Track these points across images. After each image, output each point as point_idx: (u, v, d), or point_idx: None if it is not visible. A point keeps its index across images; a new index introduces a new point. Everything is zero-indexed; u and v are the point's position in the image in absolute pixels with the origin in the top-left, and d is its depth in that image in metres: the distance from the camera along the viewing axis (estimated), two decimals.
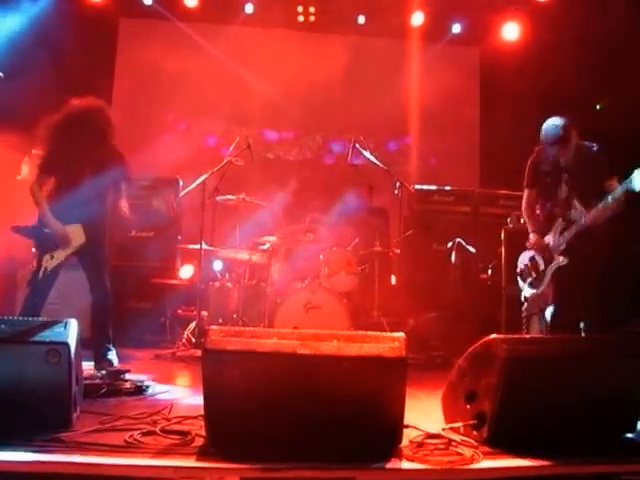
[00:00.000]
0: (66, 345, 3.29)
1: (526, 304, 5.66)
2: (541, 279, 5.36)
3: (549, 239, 5.29)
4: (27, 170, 6.61)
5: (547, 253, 5.30)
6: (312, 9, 9.30)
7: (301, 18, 9.38)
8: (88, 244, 5.02)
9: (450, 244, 7.08)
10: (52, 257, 4.88)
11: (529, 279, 5.49)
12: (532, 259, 5.47)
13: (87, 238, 5.01)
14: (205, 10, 9.06)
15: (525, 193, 5.52)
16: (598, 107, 9.42)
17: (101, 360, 4.94)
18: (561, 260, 5.18)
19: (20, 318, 3.58)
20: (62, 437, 3.09)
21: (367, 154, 7.09)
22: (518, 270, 5.64)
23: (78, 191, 4.88)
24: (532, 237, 5.43)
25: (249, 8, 9.08)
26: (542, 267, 5.37)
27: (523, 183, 5.48)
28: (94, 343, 5.01)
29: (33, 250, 5.06)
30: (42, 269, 4.84)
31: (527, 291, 5.52)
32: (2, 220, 5.85)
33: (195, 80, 9.13)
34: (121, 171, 5.17)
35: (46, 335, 3.31)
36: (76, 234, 4.97)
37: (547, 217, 5.35)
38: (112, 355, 5.03)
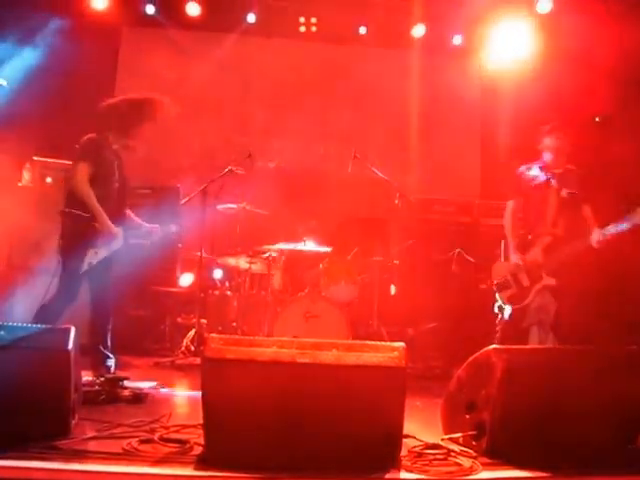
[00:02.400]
0: (65, 352, 3.28)
1: (515, 317, 5.57)
2: (524, 296, 5.33)
3: (535, 256, 5.27)
4: (28, 177, 6.61)
5: (536, 271, 5.27)
6: (314, 19, 9.32)
7: (303, 28, 9.40)
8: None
9: (450, 254, 7.09)
10: (96, 253, 4.83)
11: (508, 292, 5.45)
12: (514, 274, 5.43)
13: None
14: (207, 19, 9.07)
15: (510, 205, 5.54)
16: (598, 120, 9.44)
17: (99, 367, 4.91)
18: (550, 281, 5.17)
19: (19, 324, 3.57)
20: (60, 444, 3.08)
21: (367, 164, 7.10)
22: (496, 281, 5.60)
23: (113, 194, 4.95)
24: (521, 256, 5.39)
25: (251, 18, 9.10)
26: (526, 283, 5.34)
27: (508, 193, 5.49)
28: (93, 349, 4.97)
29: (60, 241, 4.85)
30: (86, 263, 4.76)
31: (505, 305, 5.47)
32: (3, 226, 5.85)
33: (197, 88, 9.14)
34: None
35: (45, 342, 3.31)
36: (119, 236, 4.98)
37: (529, 232, 5.34)
38: (111, 362, 4.99)
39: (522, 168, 5.49)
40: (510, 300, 5.42)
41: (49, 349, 3.29)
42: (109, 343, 5.04)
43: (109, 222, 4.83)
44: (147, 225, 5.28)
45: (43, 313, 4.63)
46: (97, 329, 5.02)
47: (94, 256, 4.81)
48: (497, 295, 5.57)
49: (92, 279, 4.98)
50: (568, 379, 3.28)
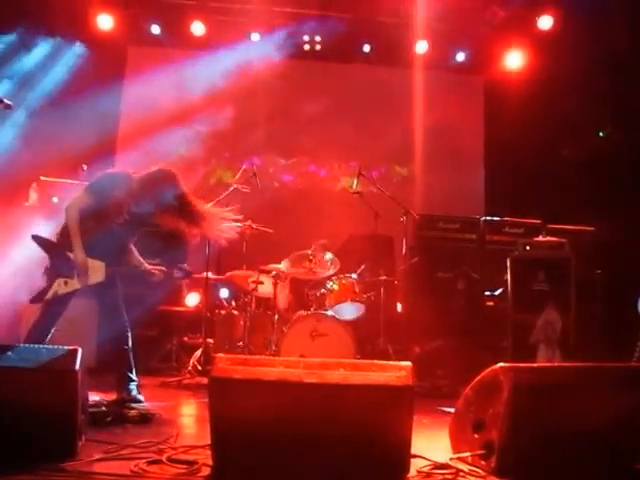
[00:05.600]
0: (73, 373, 3.28)
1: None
2: None
3: None
4: (35, 197, 6.64)
5: None
6: (318, 38, 9.38)
7: (307, 47, 9.47)
8: (106, 283, 4.89)
9: (456, 271, 7.08)
10: (66, 283, 4.75)
11: None
12: None
13: (107, 277, 4.88)
14: (211, 38, 9.15)
15: None
16: (601, 134, 9.47)
17: (121, 390, 4.82)
18: None
19: (27, 345, 3.57)
20: (66, 467, 3.06)
21: (372, 181, 7.11)
22: None
23: (109, 231, 4.84)
24: None
25: (255, 37, 9.17)
26: None
27: None
28: (116, 371, 4.93)
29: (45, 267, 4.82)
30: (52, 291, 4.71)
31: None
32: (9, 246, 5.87)
33: (201, 107, 9.19)
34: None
35: (52, 363, 3.31)
36: (97, 270, 4.84)
37: None
38: (133, 386, 4.86)
39: None
40: None
41: (56, 370, 3.29)
42: (132, 365, 4.94)
43: (82, 254, 4.72)
44: (148, 267, 5.18)
45: (29, 337, 4.70)
46: (113, 352, 4.97)
47: (63, 286, 4.74)
48: None
49: (105, 313, 5.01)
50: (577, 397, 3.26)
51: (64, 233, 4.80)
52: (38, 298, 4.73)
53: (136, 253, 5.20)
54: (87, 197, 4.78)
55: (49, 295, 4.71)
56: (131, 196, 4.85)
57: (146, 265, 5.18)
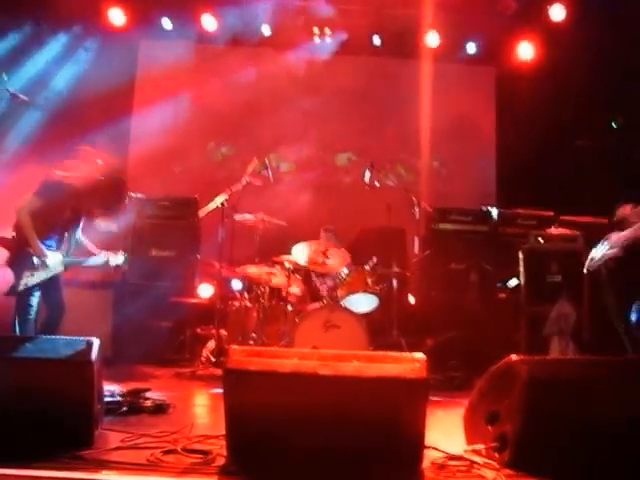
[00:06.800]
0: (89, 364, 3.32)
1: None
2: None
3: None
4: None
5: None
6: (328, 30, 9.35)
7: (317, 40, 9.44)
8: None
9: (468, 264, 7.07)
10: (33, 275, 5.25)
11: None
12: None
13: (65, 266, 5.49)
14: (223, 32, 9.14)
15: None
16: (614, 125, 9.42)
17: None
18: None
19: (45, 337, 3.62)
20: (84, 455, 3.11)
21: (384, 174, 7.11)
22: None
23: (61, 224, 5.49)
24: None
25: (266, 30, 9.16)
26: None
27: None
28: None
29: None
30: (22, 284, 5.19)
31: None
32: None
33: (214, 101, 9.20)
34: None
35: (69, 354, 3.35)
36: (56, 261, 5.40)
37: None
38: None
39: None
40: None
41: (73, 361, 3.33)
42: None
43: (40, 247, 5.28)
44: (94, 250, 5.77)
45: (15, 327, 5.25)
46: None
47: (31, 278, 5.26)
48: None
49: (52, 294, 5.51)
50: (591, 390, 3.26)
51: (19, 232, 5.31)
52: (11, 291, 5.21)
53: (86, 240, 5.80)
54: (36, 200, 5.33)
55: (21, 287, 5.20)
56: (74, 196, 5.53)
57: (95, 249, 5.76)
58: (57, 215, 5.47)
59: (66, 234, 5.55)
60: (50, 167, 5.57)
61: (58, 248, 5.49)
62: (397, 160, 9.81)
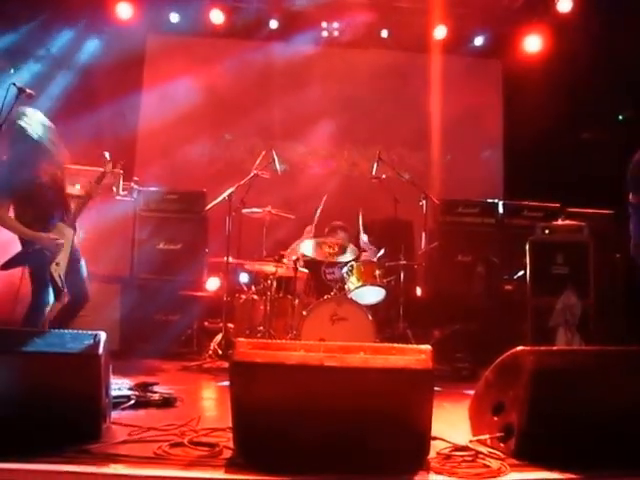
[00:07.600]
0: (97, 357, 3.34)
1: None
2: None
3: None
4: None
5: None
6: (335, 24, 9.36)
7: (325, 33, 9.45)
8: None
9: (475, 256, 7.07)
10: (57, 264, 4.83)
11: None
12: None
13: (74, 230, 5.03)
14: (231, 26, 9.16)
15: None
16: (621, 118, 9.38)
17: None
18: None
19: (52, 331, 3.63)
20: (91, 449, 3.11)
21: (391, 166, 7.11)
22: None
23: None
24: None
25: (274, 24, 9.16)
26: None
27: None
28: None
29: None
30: (58, 279, 4.81)
31: None
32: None
33: (221, 94, 9.23)
34: None
35: (77, 347, 3.36)
36: (61, 232, 4.91)
37: None
38: None
39: None
40: None
41: (81, 354, 3.34)
42: None
43: (41, 236, 4.79)
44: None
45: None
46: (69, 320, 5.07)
47: (57, 268, 4.84)
48: None
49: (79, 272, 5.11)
50: (597, 381, 3.26)
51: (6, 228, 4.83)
52: (59, 295, 4.85)
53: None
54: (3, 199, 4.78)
55: (59, 283, 4.82)
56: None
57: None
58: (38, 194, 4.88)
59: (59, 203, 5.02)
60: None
61: (62, 220, 4.96)
62: (404, 153, 9.81)
